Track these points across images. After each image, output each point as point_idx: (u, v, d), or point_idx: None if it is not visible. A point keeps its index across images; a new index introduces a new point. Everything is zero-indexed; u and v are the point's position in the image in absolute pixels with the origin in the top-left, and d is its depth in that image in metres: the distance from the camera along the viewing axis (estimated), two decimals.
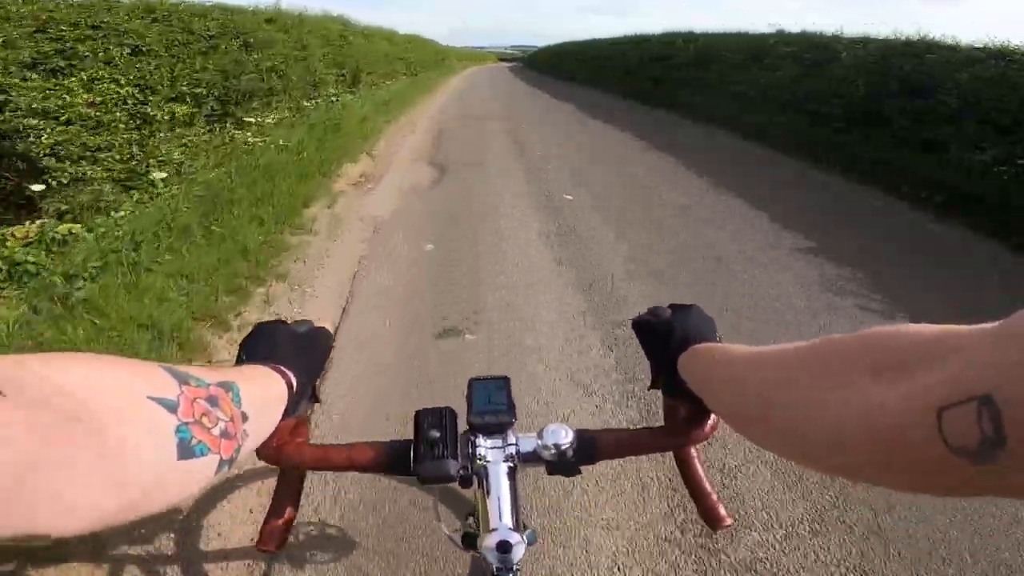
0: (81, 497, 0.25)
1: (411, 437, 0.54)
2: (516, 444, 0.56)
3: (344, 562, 1.43)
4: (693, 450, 0.60)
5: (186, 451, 0.30)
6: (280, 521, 0.55)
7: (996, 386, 0.21)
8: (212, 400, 0.34)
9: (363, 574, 1.40)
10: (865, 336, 0.31)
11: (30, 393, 0.24)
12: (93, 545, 1.44)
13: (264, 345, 0.51)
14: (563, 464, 0.55)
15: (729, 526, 0.58)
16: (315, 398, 0.57)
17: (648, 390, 0.58)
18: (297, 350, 0.52)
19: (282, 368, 0.48)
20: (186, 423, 0.31)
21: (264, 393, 0.44)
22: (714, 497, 0.58)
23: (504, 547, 0.51)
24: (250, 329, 0.54)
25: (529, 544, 0.57)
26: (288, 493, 0.57)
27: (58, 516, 0.24)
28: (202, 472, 0.32)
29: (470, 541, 0.55)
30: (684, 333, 0.53)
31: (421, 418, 0.55)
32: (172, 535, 1.48)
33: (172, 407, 0.30)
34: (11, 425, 0.22)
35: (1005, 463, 0.21)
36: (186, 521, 1.52)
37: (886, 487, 0.29)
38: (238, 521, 1.53)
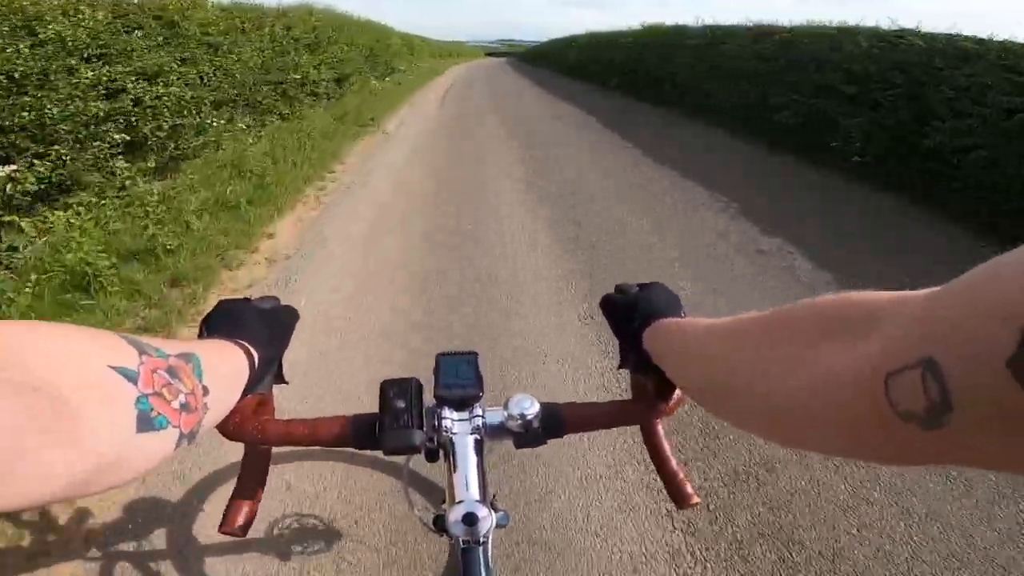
0: (35, 469, 0.24)
1: (376, 411, 0.53)
2: (483, 416, 0.56)
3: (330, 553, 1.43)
4: (660, 428, 0.61)
5: (145, 423, 0.29)
6: (246, 503, 0.54)
7: (938, 349, 0.20)
8: (172, 372, 0.33)
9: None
10: (814, 304, 0.31)
11: None
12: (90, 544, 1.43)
13: (226, 321, 0.50)
14: (529, 436, 0.55)
15: (696, 504, 0.58)
16: (280, 378, 0.56)
17: (618, 369, 0.58)
18: (261, 326, 0.51)
19: (243, 343, 0.47)
20: (146, 395, 0.30)
21: (225, 367, 0.43)
22: (681, 476, 0.59)
23: (470, 519, 0.51)
24: (213, 306, 0.53)
25: (500, 525, 0.57)
26: (253, 474, 0.55)
27: (14, 493, 0.23)
28: (161, 446, 0.31)
29: (442, 524, 0.55)
30: (648, 309, 0.53)
31: (386, 389, 0.54)
32: (163, 529, 1.47)
33: (132, 377, 0.29)
34: None
35: (954, 428, 0.20)
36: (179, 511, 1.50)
37: (843, 456, 0.29)
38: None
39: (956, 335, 0.20)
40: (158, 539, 1.45)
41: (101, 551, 1.42)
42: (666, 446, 0.60)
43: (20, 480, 0.23)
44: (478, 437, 0.56)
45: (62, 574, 1.36)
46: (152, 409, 0.30)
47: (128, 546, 1.43)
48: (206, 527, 1.46)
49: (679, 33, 10.21)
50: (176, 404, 0.32)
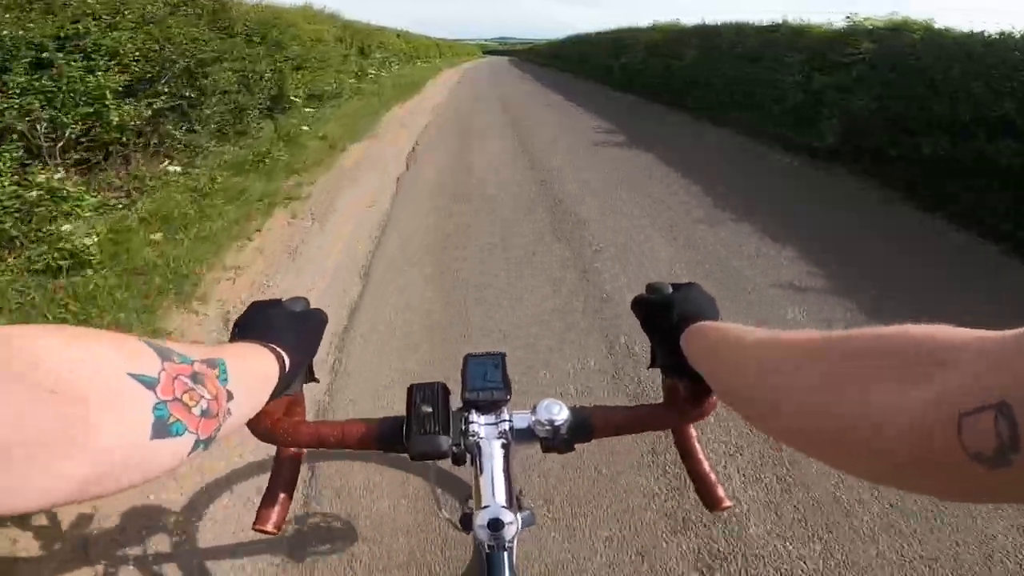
0: (49, 478, 0.24)
1: (403, 415, 0.54)
2: (510, 420, 0.56)
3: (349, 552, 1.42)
4: (693, 430, 0.60)
5: (161, 430, 0.29)
6: (278, 502, 0.55)
7: (1013, 392, 0.21)
8: (196, 377, 0.33)
9: None
10: (885, 335, 0.31)
11: (7, 364, 0.24)
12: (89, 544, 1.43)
13: (257, 324, 0.51)
14: (557, 441, 0.54)
15: (728, 508, 0.57)
16: (311, 377, 0.57)
17: (648, 369, 0.58)
18: (291, 329, 0.52)
19: (274, 346, 0.48)
20: (165, 401, 0.30)
21: (253, 370, 0.43)
22: (713, 478, 0.58)
23: (496, 524, 0.51)
24: (246, 307, 0.54)
25: (526, 525, 0.57)
26: (285, 474, 0.57)
27: (23, 495, 0.24)
28: (175, 452, 0.31)
29: (468, 522, 0.55)
30: (684, 311, 0.52)
31: (414, 393, 0.54)
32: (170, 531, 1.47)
33: (151, 384, 0.30)
34: None
35: (1018, 469, 0.21)
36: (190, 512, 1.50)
37: (897, 487, 0.30)
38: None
39: None
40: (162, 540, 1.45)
41: (109, 553, 1.42)
42: (699, 449, 0.60)
43: (32, 481, 0.24)
44: (505, 441, 0.55)
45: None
46: (170, 416, 0.30)
47: (135, 549, 1.43)
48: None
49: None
50: (197, 410, 0.32)
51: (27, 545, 1.43)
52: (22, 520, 1.47)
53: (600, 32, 19.11)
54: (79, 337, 0.28)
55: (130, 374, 0.29)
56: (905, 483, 0.28)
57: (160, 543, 1.45)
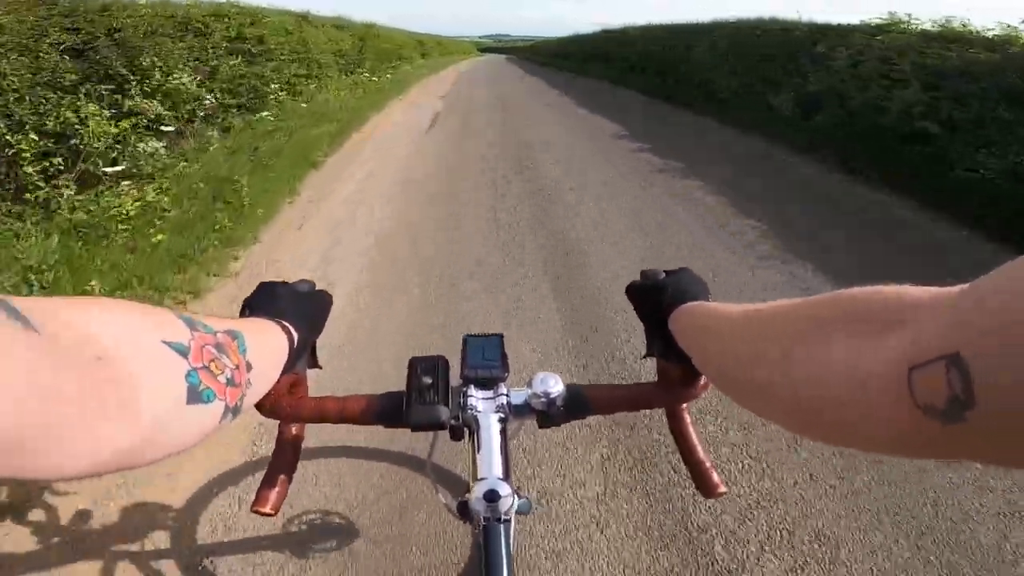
0: (93, 444, 0.25)
1: (403, 390, 0.55)
2: (507, 396, 0.57)
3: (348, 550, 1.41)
4: (687, 415, 0.60)
5: (194, 396, 0.30)
6: (277, 484, 0.55)
7: (965, 344, 0.20)
8: (220, 347, 0.34)
9: None
10: (839, 296, 0.31)
11: (58, 334, 0.24)
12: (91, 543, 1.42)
13: (267, 302, 0.52)
14: (553, 415, 0.56)
15: (723, 494, 0.57)
16: (315, 362, 0.58)
17: (643, 358, 0.58)
18: (298, 308, 0.53)
19: (283, 323, 0.49)
20: (195, 368, 0.31)
21: (267, 345, 0.44)
22: (707, 464, 0.58)
23: (492, 496, 0.52)
24: (256, 285, 0.55)
25: (523, 513, 0.57)
26: (286, 455, 0.57)
27: (66, 459, 0.24)
28: (208, 419, 0.32)
29: (465, 510, 0.55)
30: (675, 294, 0.53)
31: (414, 366, 0.55)
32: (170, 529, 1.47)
33: (184, 352, 0.31)
34: (40, 365, 0.22)
35: (974, 424, 0.20)
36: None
37: (863, 449, 0.29)
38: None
39: (986, 332, 0.20)
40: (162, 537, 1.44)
41: (111, 549, 1.41)
42: (692, 433, 0.60)
43: (75, 451, 0.24)
44: (503, 415, 0.57)
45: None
46: (200, 383, 0.31)
47: (136, 546, 1.43)
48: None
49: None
50: (223, 378, 0.33)
51: (25, 541, 1.43)
52: (20, 517, 1.48)
53: (638, 27, 15.23)
54: (116, 308, 0.29)
55: (164, 341, 0.30)
56: (866, 442, 0.28)
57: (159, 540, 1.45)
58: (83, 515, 1.50)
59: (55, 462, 0.23)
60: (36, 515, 1.50)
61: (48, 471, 0.24)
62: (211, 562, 1.40)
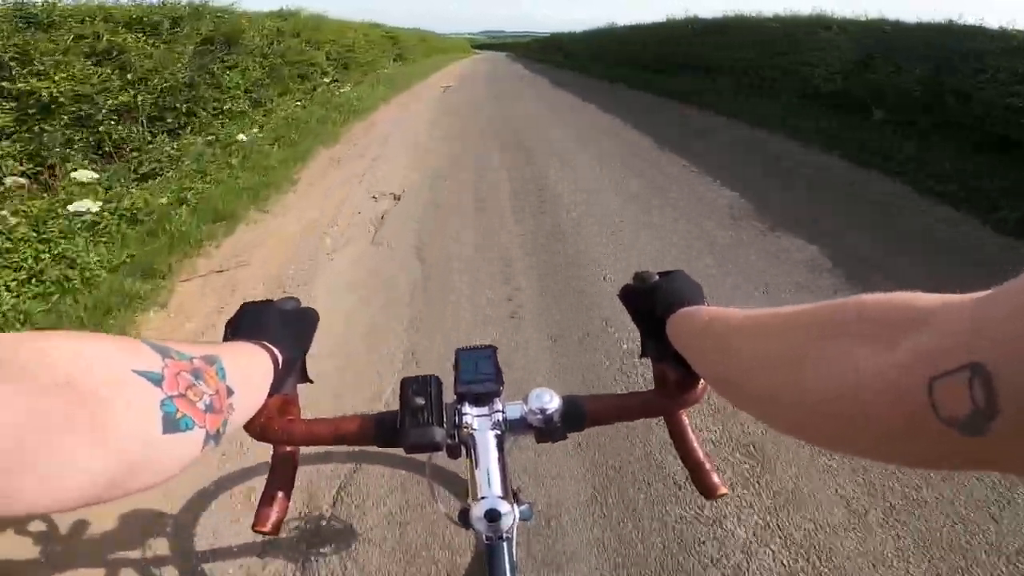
0: (69, 473, 0.24)
1: (397, 409, 0.54)
2: (503, 411, 0.56)
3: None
4: (685, 417, 0.60)
5: (171, 425, 0.30)
6: (276, 502, 0.55)
7: (988, 354, 0.20)
8: (196, 373, 0.33)
9: None
10: (855, 302, 0.30)
11: (28, 364, 0.24)
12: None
13: (250, 323, 0.51)
14: (550, 430, 0.55)
15: (724, 495, 0.57)
16: (305, 377, 0.57)
17: (639, 359, 0.58)
18: (283, 328, 0.52)
19: (267, 345, 0.48)
20: (171, 396, 0.30)
21: (249, 368, 0.43)
22: (707, 466, 0.58)
23: (492, 515, 0.51)
24: (237, 308, 0.54)
25: (524, 519, 0.57)
26: (282, 473, 0.57)
27: (46, 493, 0.24)
28: (188, 447, 0.31)
29: (466, 518, 0.55)
30: (671, 297, 0.53)
31: (406, 387, 0.54)
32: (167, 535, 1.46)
33: (156, 380, 0.30)
34: (11, 392, 0.22)
35: (996, 435, 0.19)
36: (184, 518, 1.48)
37: (875, 459, 0.28)
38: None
39: (1009, 340, 0.19)
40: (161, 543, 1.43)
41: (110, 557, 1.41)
42: (692, 436, 0.60)
43: (59, 485, 0.24)
44: (499, 432, 0.56)
45: None
46: (177, 411, 0.30)
47: (135, 553, 1.42)
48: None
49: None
50: (201, 405, 0.32)
51: (25, 550, 1.42)
52: (21, 525, 1.46)
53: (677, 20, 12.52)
54: (84, 339, 0.28)
55: (135, 370, 0.29)
56: (884, 453, 0.27)
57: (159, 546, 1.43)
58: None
59: (40, 492, 0.23)
60: (36, 525, 1.48)
61: (34, 502, 0.23)
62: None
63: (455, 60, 26.18)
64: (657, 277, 0.57)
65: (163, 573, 1.40)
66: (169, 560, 1.42)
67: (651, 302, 0.54)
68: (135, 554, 1.43)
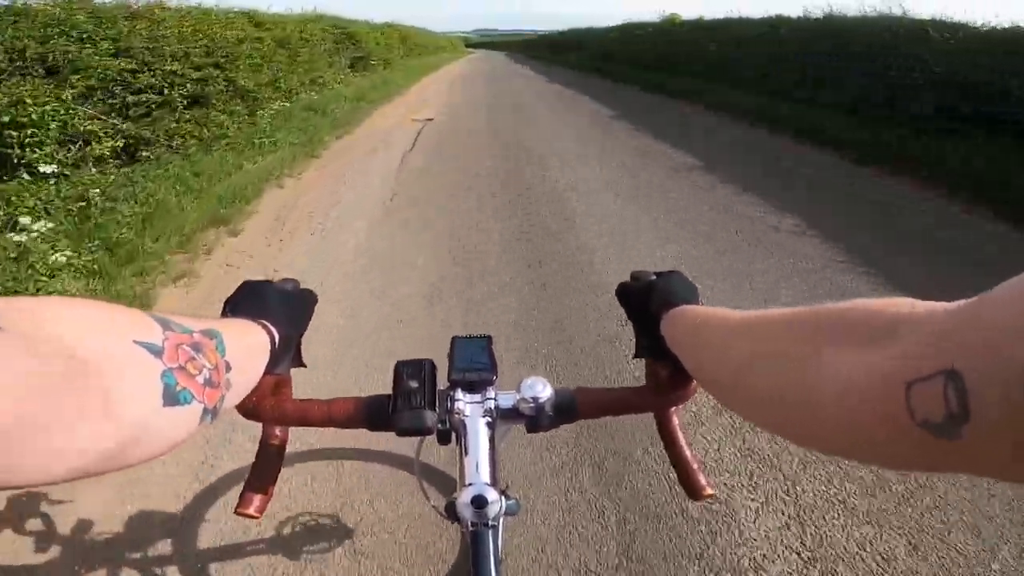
0: (69, 443, 0.24)
1: (390, 392, 0.53)
2: (495, 399, 0.56)
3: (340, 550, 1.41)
4: (675, 417, 0.60)
5: (171, 398, 0.29)
6: (261, 486, 0.54)
7: (963, 361, 0.20)
8: (196, 347, 0.33)
9: None
10: (832, 307, 0.31)
11: (29, 332, 0.24)
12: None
13: (249, 301, 0.50)
14: (541, 420, 0.54)
15: (710, 496, 0.57)
16: (300, 361, 0.56)
17: (633, 359, 0.57)
18: (282, 307, 0.51)
19: (265, 323, 0.48)
20: (171, 368, 0.30)
21: (247, 345, 0.43)
22: (695, 466, 0.58)
23: (479, 502, 0.51)
24: (237, 286, 0.53)
25: (510, 513, 0.57)
26: (269, 457, 0.56)
27: (47, 462, 0.23)
28: (186, 421, 0.31)
29: (453, 511, 0.54)
30: (665, 296, 0.53)
31: (400, 370, 0.54)
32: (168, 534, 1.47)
33: (157, 352, 0.30)
34: (15, 361, 0.22)
35: (969, 440, 0.20)
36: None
37: (854, 460, 0.29)
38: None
39: (982, 349, 0.20)
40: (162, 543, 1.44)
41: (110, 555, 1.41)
42: (680, 436, 0.60)
43: (59, 455, 0.24)
44: (490, 420, 0.56)
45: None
46: (177, 383, 0.30)
47: (135, 552, 1.43)
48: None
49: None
50: (200, 379, 0.32)
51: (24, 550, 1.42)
52: (18, 525, 1.47)
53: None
54: (83, 307, 0.28)
55: (136, 341, 0.29)
56: (862, 454, 0.28)
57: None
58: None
59: (41, 461, 0.23)
60: (34, 523, 1.49)
61: (35, 471, 0.23)
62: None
63: (445, 63, 22.15)
64: (654, 276, 0.57)
65: (165, 573, 1.39)
66: (171, 560, 1.42)
67: (646, 300, 0.54)
68: (136, 554, 1.43)
